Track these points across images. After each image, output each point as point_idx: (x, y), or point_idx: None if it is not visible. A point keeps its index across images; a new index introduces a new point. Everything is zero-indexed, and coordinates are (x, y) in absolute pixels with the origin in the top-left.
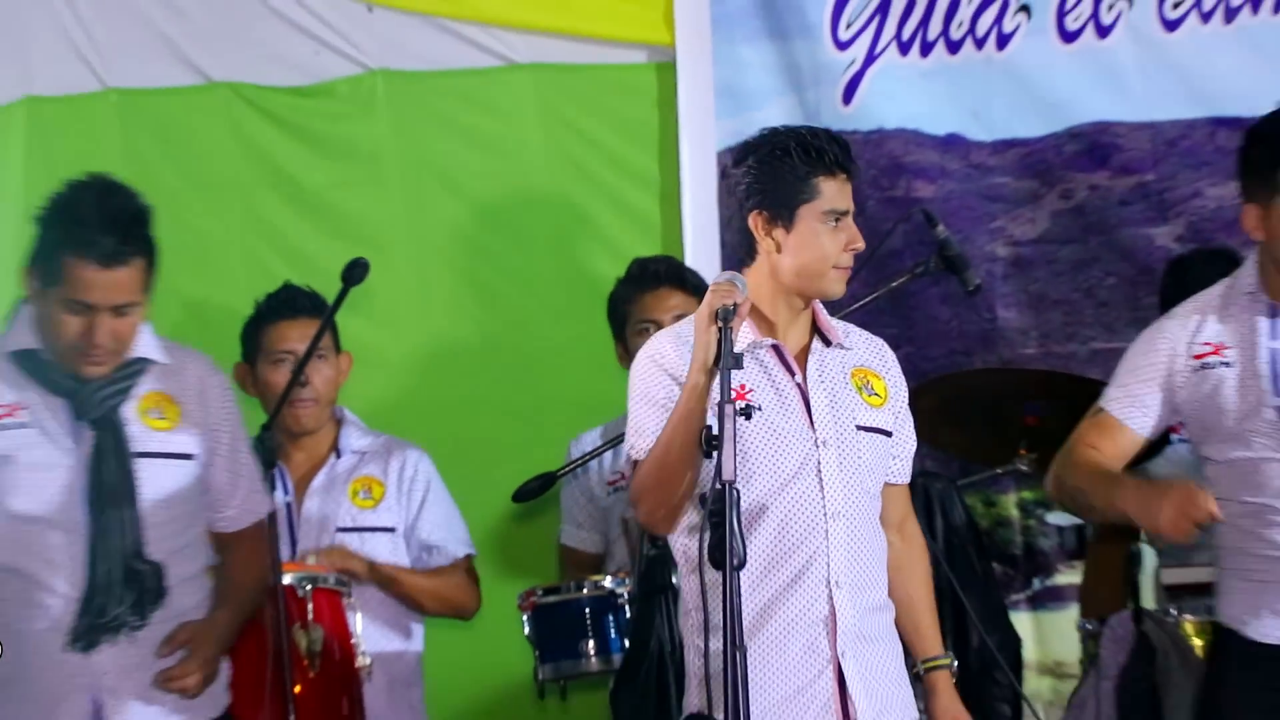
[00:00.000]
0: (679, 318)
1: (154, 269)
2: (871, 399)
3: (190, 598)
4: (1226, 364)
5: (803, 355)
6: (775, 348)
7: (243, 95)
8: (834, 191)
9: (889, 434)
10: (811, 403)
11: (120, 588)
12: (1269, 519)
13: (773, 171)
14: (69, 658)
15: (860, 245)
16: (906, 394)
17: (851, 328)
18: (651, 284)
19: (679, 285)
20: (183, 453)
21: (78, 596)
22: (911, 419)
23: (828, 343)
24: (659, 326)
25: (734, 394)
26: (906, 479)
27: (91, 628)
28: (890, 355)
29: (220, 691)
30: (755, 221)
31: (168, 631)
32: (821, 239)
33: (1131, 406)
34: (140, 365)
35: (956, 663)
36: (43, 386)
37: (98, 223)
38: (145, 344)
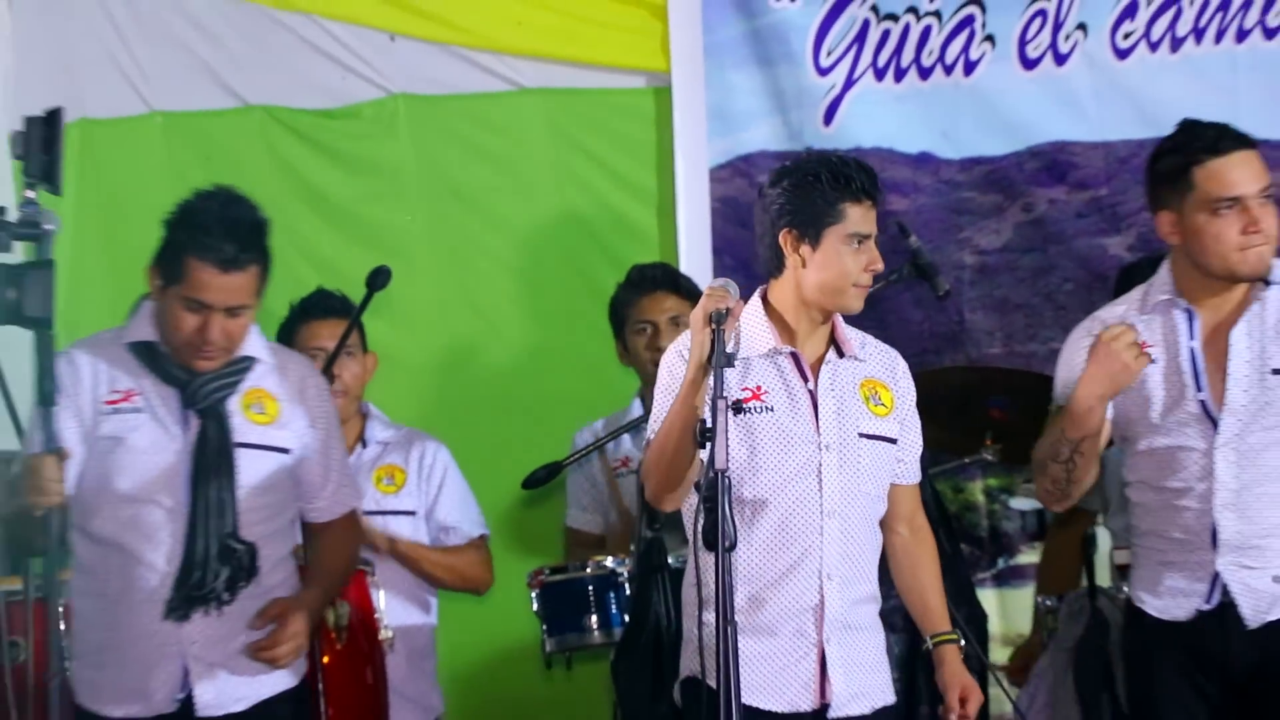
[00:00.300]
0: (673, 319)
1: (267, 275)
2: (877, 409)
3: (275, 576)
4: (1151, 361)
5: (818, 364)
6: (793, 355)
7: (276, 117)
8: (859, 216)
9: (893, 441)
10: (820, 409)
11: (216, 563)
12: (1182, 504)
13: (804, 194)
14: (163, 627)
15: (879, 266)
16: (913, 401)
17: (869, 339)
18: (648, 288)
19: (673, 289)
20: (279, 446)
21: (174, 571)
22: (919, 425)
23: (842, 354)
24: (655, 327)
25: (750, 393)
26: (913, 480)
27: (187, 599)
28: (902, 366)
29: (299, 663)
30: (785, 239)
31: (251, 607)
32: (844, 259)
33: None
34: (247, 363)
35: (963, 640)
36: (157, 376)
37: (220, 230)
38: (253, 344)
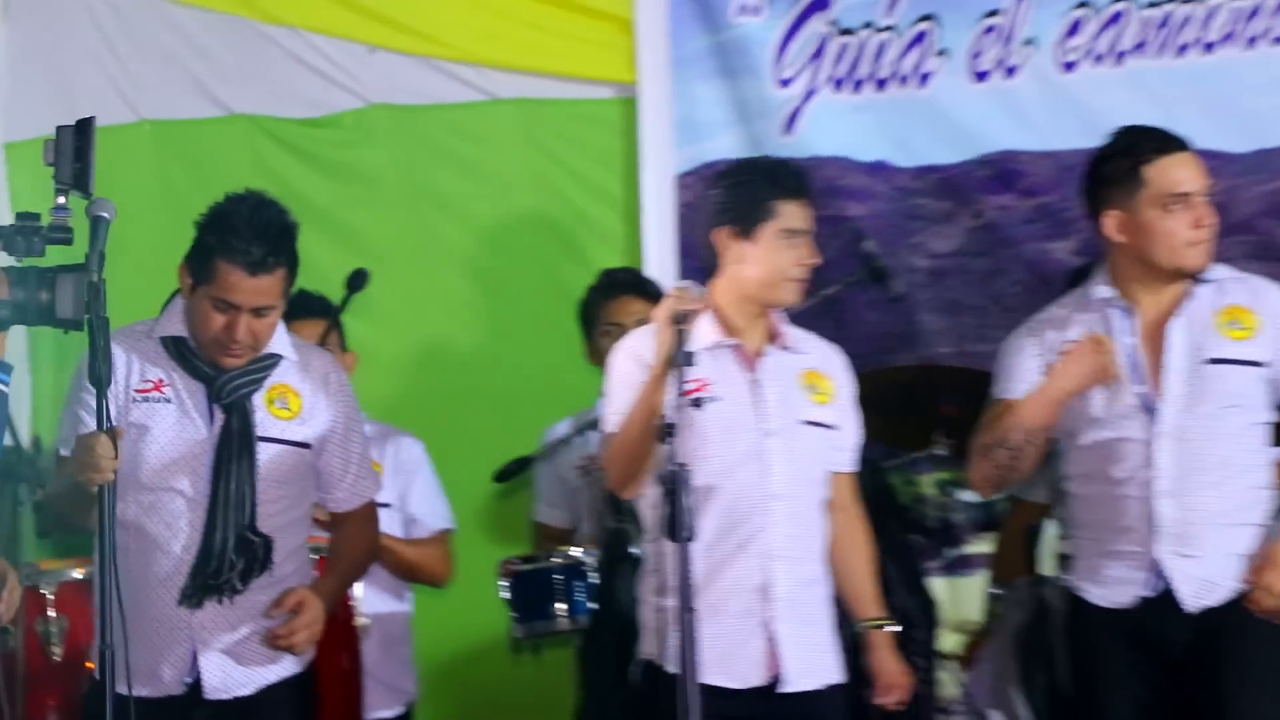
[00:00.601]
0: (640, 321)
1: (294, 277)
2: (818, 397)
3: (288, 566)
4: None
5: (760, 356)
6: (736, 347)
7: (261, 126)
8: (792, 213)
9: (833, 428)
10: (764, 397)
11: (233, 554)
12: (1124, 494)
13: (740, 193)
14: (177, 612)
15: (814, 260)
16: (854, 394)
17: (809, 335)
18: (616, 292)
19: (640, 293)
20: (300, 441)
21: (190, 559)
22: (858, 416)
23: (784, 347)
24: (622, 328)
25: (695, 385)
26: (850, 468)
27: (203, 588)
28: (841, 360)
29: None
30: (721, 236)
31: (261, 595)
32: (779, 254)
33: (1027, 389)
34: (273, 360)
35: (895, 625)
36: (185, 370)
37: (249, 233)
38: (279, 341)
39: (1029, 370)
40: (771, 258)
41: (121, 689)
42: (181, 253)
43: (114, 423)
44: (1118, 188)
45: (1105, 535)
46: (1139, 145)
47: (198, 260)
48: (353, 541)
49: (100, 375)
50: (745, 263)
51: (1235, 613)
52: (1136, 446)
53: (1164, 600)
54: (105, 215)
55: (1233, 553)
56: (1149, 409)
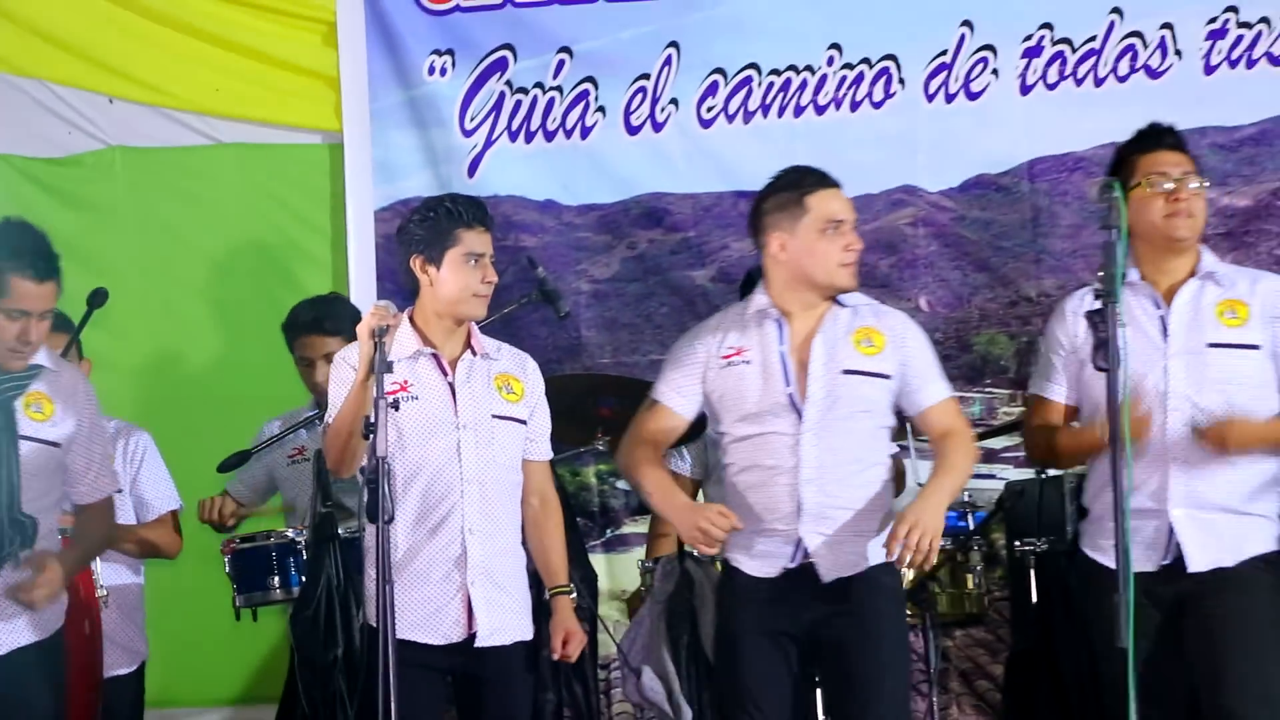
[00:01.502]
0: (326, 355)
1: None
2: (509, 396)
3: (44, 543)
4: (747, 362)
5: (455, 362)
6: (434, 355)
7: (13, 164)
8: (471, 239)
9: (523, 421)
10: (458, 397)
11: (10, 531)
12: (775, 480)
13: (428, 226)
14: None
15: (493, 279)
16: (542, 392)
17: (504, 345)
18: (300, 331)
19: (319, 332)
20: (51, 440)
21: None
22: (548, 411)
23: (477, 354)
24: (309, 361)
25: (399, 386)
26: (542, 457)
27: None
28: (532, 365)
29: (54, 617)
30: (416, 263)
31: (16, 572)
32: (462, 275)
33: (676, 395)
34: (36, 370)
35: (574, 592)
36: None
37: (31, 249)
38: (40, 354)
39: (685, 382)
40: (456, 279)
41: None
42: None
43: None
44: (783, 214)
45: (757, 516)
46: (803, 180)
47: None
48: (91, 526)
49: None
50: (437, 284)
51: (863, 583)
52: (786, 440)
53: (803, 572)
54: None
55: (862, 534)
56: (796, 408)
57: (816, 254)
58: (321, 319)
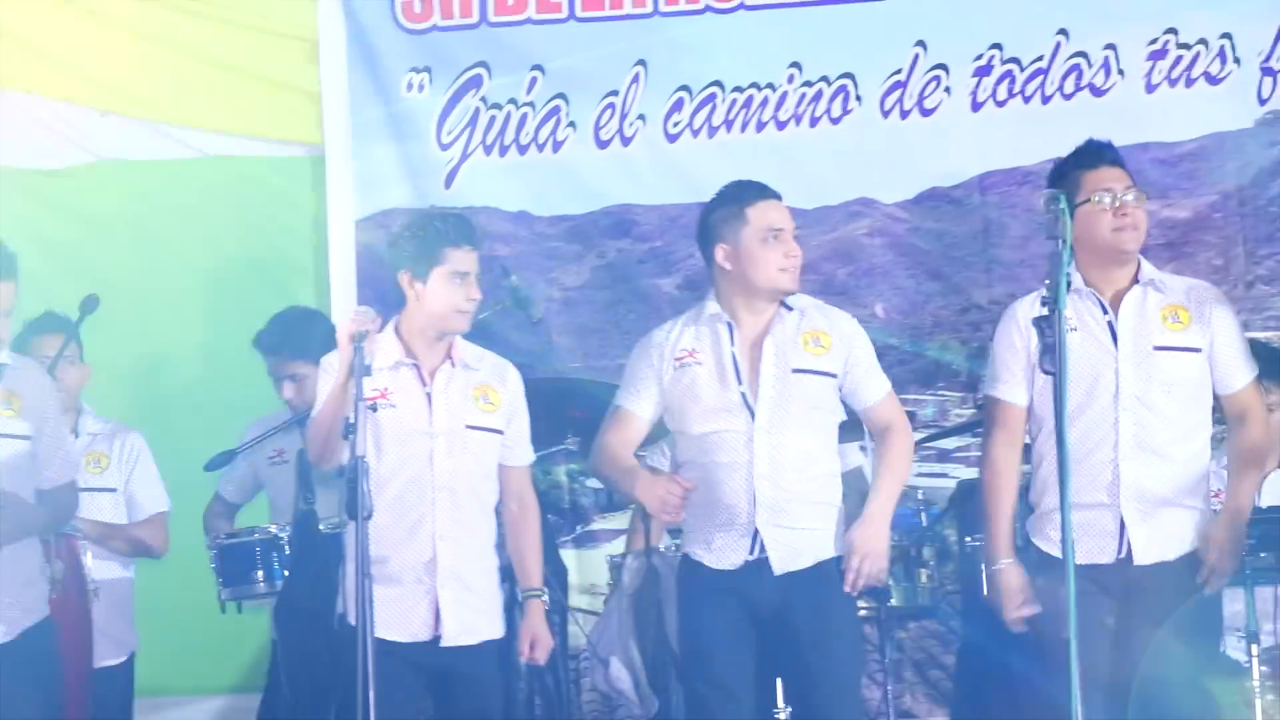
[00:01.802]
0: (291, 375)
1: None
2: (486, 406)
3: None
4: (699, 364)
5: (435, 373)
6: (415, 366)
7: (7, 176)
8: (459, 258)
9: (499, 431)
10: (434, 406)
11: None
12: (730, 476)
13: (416, 243)
14: None
15: (477, 296)
16: (522, 400)
17: (488, 355)
18: (268, 352)
19: (279, 357)
20: (22, 434)
21: None
22: (526, 417)
23: (458, 365)
24: (279, 380)
25: (378, 393)
26: (520, 462)
27: None
28: (512, 374)
29: (22, 615)
30: (403, 278)
31: None
32: (448, 292)
33: (636, 399)
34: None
35: (547, 594)
36: None
37: None
38: (3, 352)
39: (642, 385)
40: (441, 296)
41: None
42: None
43: None
44: (727, 226)
45: (713, 510)
46: (744, 192)
47: None
48: (56, 509)
49: None
50: (423, 300)
51: (819, 575)
52: (740, 437)
53: (760, 563)
54: None
55: (816, 527)
56: (748, 407)
57: (758, 261)
58: (280, 344)
